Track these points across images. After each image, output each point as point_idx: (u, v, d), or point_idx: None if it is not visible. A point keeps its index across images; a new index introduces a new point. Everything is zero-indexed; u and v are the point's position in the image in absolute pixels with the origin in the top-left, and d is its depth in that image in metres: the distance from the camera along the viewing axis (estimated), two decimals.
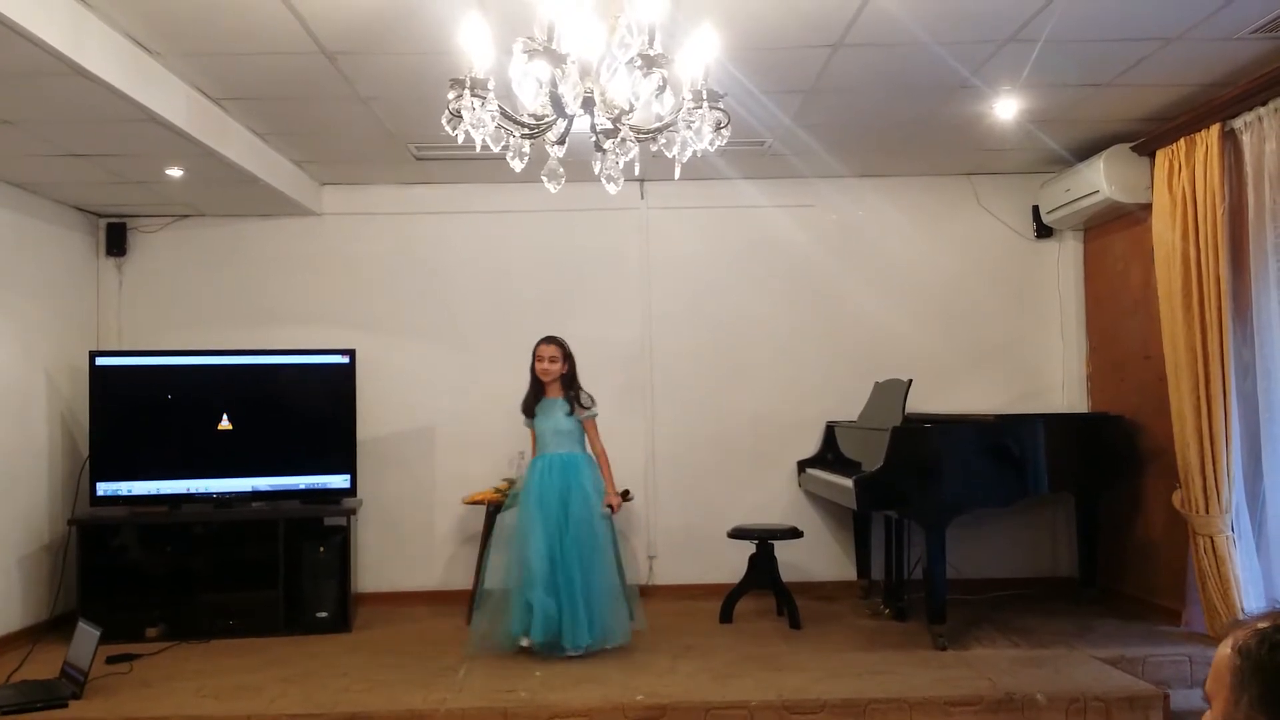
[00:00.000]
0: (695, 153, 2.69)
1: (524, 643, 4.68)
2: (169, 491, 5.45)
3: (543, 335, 4.99)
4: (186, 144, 4.45)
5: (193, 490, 5.47)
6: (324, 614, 5.35)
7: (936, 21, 3.72)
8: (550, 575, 4.62)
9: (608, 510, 4.80)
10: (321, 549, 5.40)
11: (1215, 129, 4.53)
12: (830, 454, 5.94)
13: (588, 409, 4.91)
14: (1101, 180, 5.27)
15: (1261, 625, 1.36)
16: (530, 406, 4.95)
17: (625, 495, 4.92)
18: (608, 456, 4.96)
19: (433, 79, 3.97)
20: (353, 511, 5.60)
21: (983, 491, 4.94)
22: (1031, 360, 6.20)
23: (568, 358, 4.93)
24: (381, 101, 4.55)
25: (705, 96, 2.55)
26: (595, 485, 4.82)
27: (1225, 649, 1.38)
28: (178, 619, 5.22)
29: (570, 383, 4.94)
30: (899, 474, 4.79)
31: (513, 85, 2.59)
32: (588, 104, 2.59)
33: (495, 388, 5.67)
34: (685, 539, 6.07)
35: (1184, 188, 4.73)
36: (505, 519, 4.94)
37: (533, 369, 4.95)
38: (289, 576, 5.34)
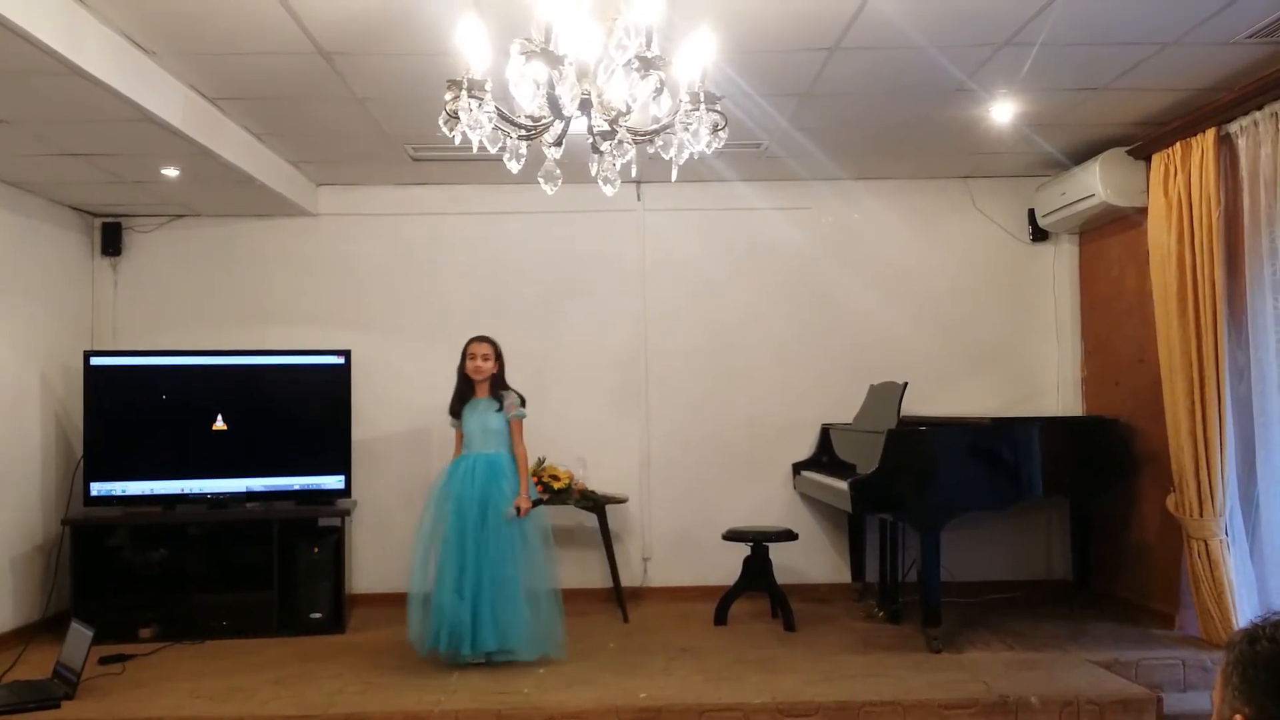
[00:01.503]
0: (692, 155, 2.69)
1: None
2: (163, 492, 5.43)
3: (475, 335, 4.88)
4: (183, 144, 4.44)
5: (187, 491, 5.45)
6: (318, 615, 5.34)
7: (933, 25, 3.73)
8: (458, 580, 4.51)
9: (513, 512, 4.61)
10: (316, 550, 5.39)
11: (1211, 133, 4.55)
12: (825, 456, 5.94)
13: (517, 409, 4.81)
14: (1097, 184, 5.28)
15: (1253, 623, 1.43)
16: (458, 407, 4.83)
17: (536, 503, 4.81)
18: (527, 459, 4.84)
19: (430, 80, 3.97)
20: (347, 512, 5.60)
21: (977, 495, 4.94)
22: (1026, 363, 6.20)
23: (499, 357, 4.85)
24: (378, 102, 4.55)
25: (702, 99, 2.56)
26: (515, 489, 4.67)
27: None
28: (171, 620, 5.21)
29: (500, 382, 4.85)
30: (894, 477, 4.79)
31: (510, 87, 2.59)
32: (585, 105, 2.59)
33: None
34: (680, 541, 6.06)
35: (1179, 192, 4.74)
36: (423, 519, 4.78)
37: (462, 367, 4.84)
38: (283, 577, 5.33)
